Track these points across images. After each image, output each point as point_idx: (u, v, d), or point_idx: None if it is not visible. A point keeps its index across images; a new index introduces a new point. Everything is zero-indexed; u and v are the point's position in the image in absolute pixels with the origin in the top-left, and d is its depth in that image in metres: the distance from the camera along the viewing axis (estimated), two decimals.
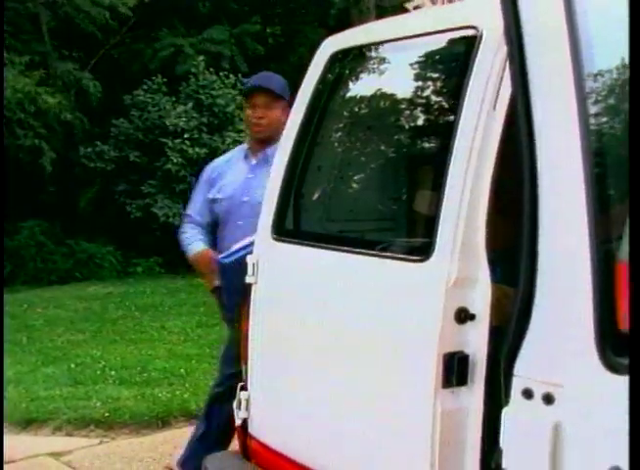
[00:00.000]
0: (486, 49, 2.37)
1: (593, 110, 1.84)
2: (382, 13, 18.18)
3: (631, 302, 1.56)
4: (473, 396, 2.42)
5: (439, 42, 2.60)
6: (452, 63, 2.57)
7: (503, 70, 2.33)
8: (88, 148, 14.61)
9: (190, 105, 14.34)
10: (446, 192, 2.36)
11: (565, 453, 1.34)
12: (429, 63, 2.70)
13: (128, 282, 13.87)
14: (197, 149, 13.85)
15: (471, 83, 2.37)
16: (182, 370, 7.32)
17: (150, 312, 10.41)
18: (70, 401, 6.31)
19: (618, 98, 1.83)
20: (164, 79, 14.70)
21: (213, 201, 4.19)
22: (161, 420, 6.01)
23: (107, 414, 6.03)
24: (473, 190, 2.35)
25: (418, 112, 2.75)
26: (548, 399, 1.43)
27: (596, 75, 1.84)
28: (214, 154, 14.09)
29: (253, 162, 4.16)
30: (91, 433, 5.77)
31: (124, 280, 14.28)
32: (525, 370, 1.42)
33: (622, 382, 1.35)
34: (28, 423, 5.99)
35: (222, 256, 3.42)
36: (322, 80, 2.94)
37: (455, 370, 2.40)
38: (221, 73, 14.89)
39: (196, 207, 4.30)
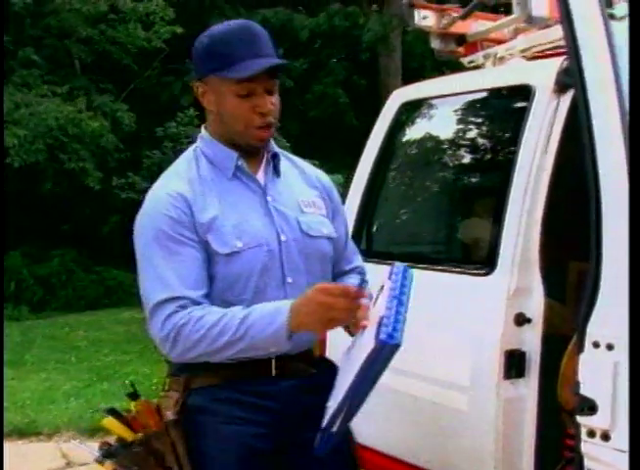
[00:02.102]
0: (539, 104, 2.94)
1: None
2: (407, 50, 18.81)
3: (631, 301, 2.09)
4: (529, 386, 2.93)
5: (499, 97, 3.17)
6: (511, 114, 3.11)
7: (552, 120, 2.91)
8: (121, 179, 14.76)
9: None
10: (507, 218, 2.90)
11: (619, 381, 1.87)
12: (489, 114, 3.28)
13: None
14: None
15: (527, 132, 2.94)
16: None
17: None
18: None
19: None
20: (197, 112, 15.14)
21: (227, 256, 2.30)
22: None
23: None
24: (528, 217, 2.89)
25: (480, 153, 3.32)
26: (609, 347, 1.92)
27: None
28: None
29: (262, 178, 2.44)
30: None
31: None
32: (594, 329, 1.93)
33: None
34: (95, 431, 6.14)
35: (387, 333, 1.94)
36: (393, 126, 3.50)
37: (514, 365, 2.90)
38: None
39: (185, 276, 2.25)
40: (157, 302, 2.22)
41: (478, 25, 3.53)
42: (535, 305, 2.91)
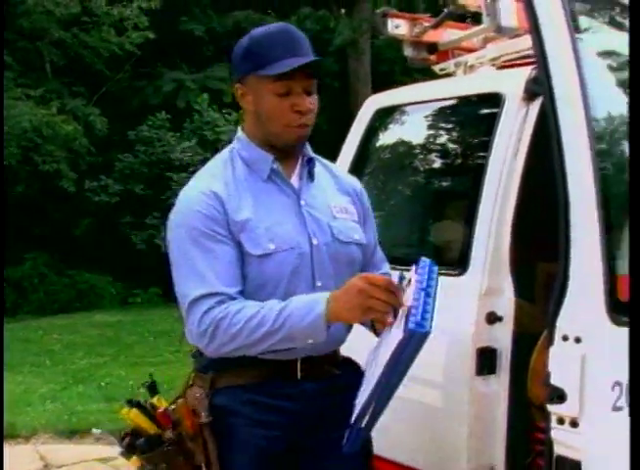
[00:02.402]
0: (509, 111, 3.07)
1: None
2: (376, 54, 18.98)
3: (631, 301, 2.19)
4: (500, 382, 3.04)
5: (470, 104, 3.30)
6: (482, 121, 3.24)
7: (522, 126, 3.04)
8: (93, 182, 14.92)
9: (194, 141, 14.82)
10: (478, 221, 3.01)
11: (586, 371, 1.99)
12: (461, 120, 3.40)
13: (133, 311, 14.02)
14: None
15: (497, 137, 3.07)
16: None
17: (164, 338, 10.56)
18: (108, 415, 6.52)
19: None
20: (168, 116, 15.22)
21: (260, 258, 2.33)
22: None
23: None
24: (499, 220, 3.00)
25: (452, 158, 3.44)
26: (577, 340, 2.04)
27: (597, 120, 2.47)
28: None
29: (297, 182, 2.46)
30: None
31: (128, 309, 14.43)
32: (563, 324, 2.05)
33: (621, 331, 2.01)
34: (72, 433, 6.38)
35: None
36: (367, 131, 3.61)
37: (486, 362, 3.01)
38: (224, 110, 15.41)
39: (221, 273, 2.28)
40: (194, 298, 2.24)
41: (449, 34, 3.65)
42: (506, 304, 3.03)
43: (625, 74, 2.57)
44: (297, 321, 2.17)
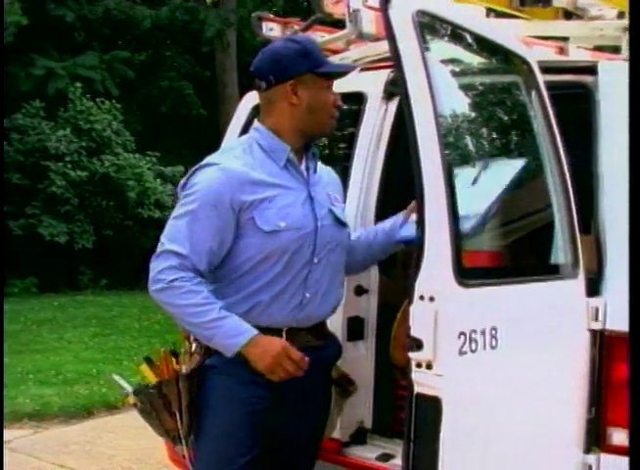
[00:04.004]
0: (371, 108, 3.52)
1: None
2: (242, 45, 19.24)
3: (631, 301, 2.58)
4: (367, 347, 3.47)
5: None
6: (348, 117, 3.62)
7: (382, 122, 3.47)
8: None
9: (69, 130, 14.64)
10: (347, 204, 3.36)
11: (439, 324, 2.37)
12: None
13: (10, 301, 13.41)
14: (78, 172, 14.12)
15: (361, 132, 3.51)
16: (94, 371, 7.95)
17: (46, 326, 10.61)
18: None
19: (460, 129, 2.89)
20: (43, 104, 15.01)
21: (268, 234, 2.67)
22: (87, 411, 6.76)
23: (37, 408, 6.65)
24: (364, 205, 3.45)
25: (321, 149, 3.79)
26: (431, 298, 2.35)
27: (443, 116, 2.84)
28: (94, 176, 14.38)
29: (304, 171, 2.84)
30: (25, 425, 6.33)
31: (4, 299, 14.17)
32: (420, 285, 2.38)
33: (465, 291, 2.39)
34: None
35: None
36: (246, 126, 3.93)
37: (355, 329, 3.42)
38: (97, 100, 15.32)
39: (197, 244, 2.63)
40: (166, 249, 2.64)
41: (316, 37, 3.97)
42: (372, 278, 3.46)
43: (467, 79, 3.03)
44: (220, 335, 2.61)
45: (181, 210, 2.68)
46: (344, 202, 3.13)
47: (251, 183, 2.67)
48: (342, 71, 2.84)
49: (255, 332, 2.61)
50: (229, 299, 2.70)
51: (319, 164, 2.94)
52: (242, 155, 2.75)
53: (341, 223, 2.88)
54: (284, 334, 2.73)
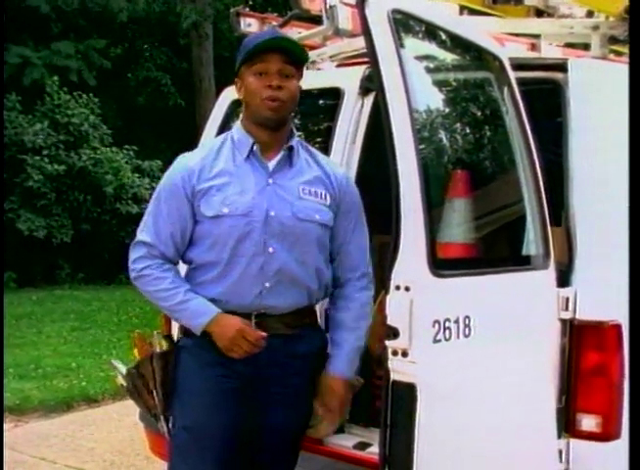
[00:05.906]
0: (347, 103, 3.58)
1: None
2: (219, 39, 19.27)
3: (631, 302, 2.67)
4: None
5: (315, 97, 3.76)
6: (325, 111, 3.71)
7: (358, 117, 3.54)
8: None
9: (46, 123, 14.55)
10: None
11: (414, 313, 2.46)
12: (307, 111, 3.85)
13: None
14: (55, 166, 14.01)
15: (338, 126, 3.57)
16: (73, 364, 7.98)
17: (24, 320, 10.60)
18: None
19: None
20: (19, 97, 14.94)
21: (212, 219, 2.80)
22: (66, 404, 6.80)
23: (17, 402, 6.67)
24: None
25: None
26: (407, 288, 2.42)
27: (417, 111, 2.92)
28: (72, 170, 14.33)
29: (273, 165, 2.86)
30: (5, 419, 6.26)
31: None
32: (396, 276, 2.47)
33: (439, 281, 2.48)
34: None
35: None
36: (224, 121, 4.02)
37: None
38: (75, 93, 15.22)
39: (161, 232, 2.84)
40: (138, 239, 2.89)
41: (294, 33, 4.05)
42: None
43: (440, 75, 3.10)
44: (186, 316, 2.83)
45: (150, 203, 2.94)
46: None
47: (206, 173, 2.82)
48: (256, 51, 2.77)
49: (217, 312, 2.79)
50: (202, 282, 2.86)
51: (314, 158, 2.97)
52: (207, 150, 2.92)
53: (298, 218, 2.83)
54: (253, 318, 2.83)
